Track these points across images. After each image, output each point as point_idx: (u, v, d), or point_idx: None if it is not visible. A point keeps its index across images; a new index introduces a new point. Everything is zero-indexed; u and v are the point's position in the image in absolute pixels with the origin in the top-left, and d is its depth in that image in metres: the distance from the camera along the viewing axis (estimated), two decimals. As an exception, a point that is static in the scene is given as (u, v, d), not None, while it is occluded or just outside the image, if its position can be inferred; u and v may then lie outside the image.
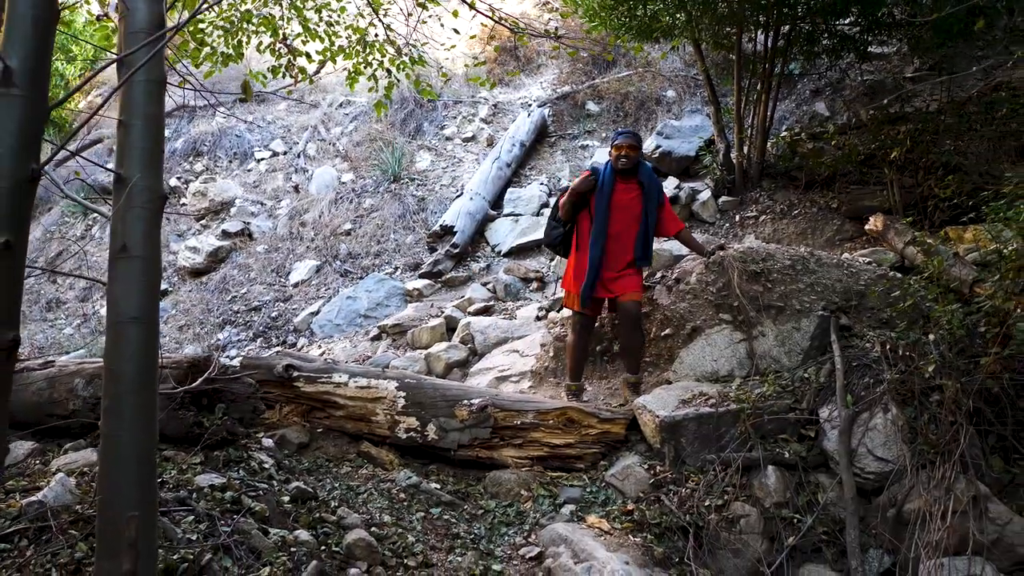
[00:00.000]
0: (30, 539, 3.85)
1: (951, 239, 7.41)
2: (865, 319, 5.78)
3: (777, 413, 5.15)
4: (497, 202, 11.02)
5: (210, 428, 4.84)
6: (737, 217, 9.99)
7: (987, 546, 4.34)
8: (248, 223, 11.68)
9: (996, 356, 4.81)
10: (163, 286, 11.13)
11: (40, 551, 3.77)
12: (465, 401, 5.39)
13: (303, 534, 4.20)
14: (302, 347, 9.01)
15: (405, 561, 4.36)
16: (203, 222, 11.94)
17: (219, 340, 9.55)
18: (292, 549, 4.05)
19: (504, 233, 10.38)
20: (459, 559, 4.54)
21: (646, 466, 5.13)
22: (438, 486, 5.21)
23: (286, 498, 4.51)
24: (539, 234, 10.05)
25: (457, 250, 9.90)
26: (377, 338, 8.72)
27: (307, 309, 9.69)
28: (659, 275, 6.52)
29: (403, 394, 5.44)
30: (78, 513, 3.98)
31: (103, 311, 10.77)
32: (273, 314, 9.85)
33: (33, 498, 4.03)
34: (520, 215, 10.63)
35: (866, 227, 7.48)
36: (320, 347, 8.84)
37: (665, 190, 10.49)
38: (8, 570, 3.67)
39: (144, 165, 2.91)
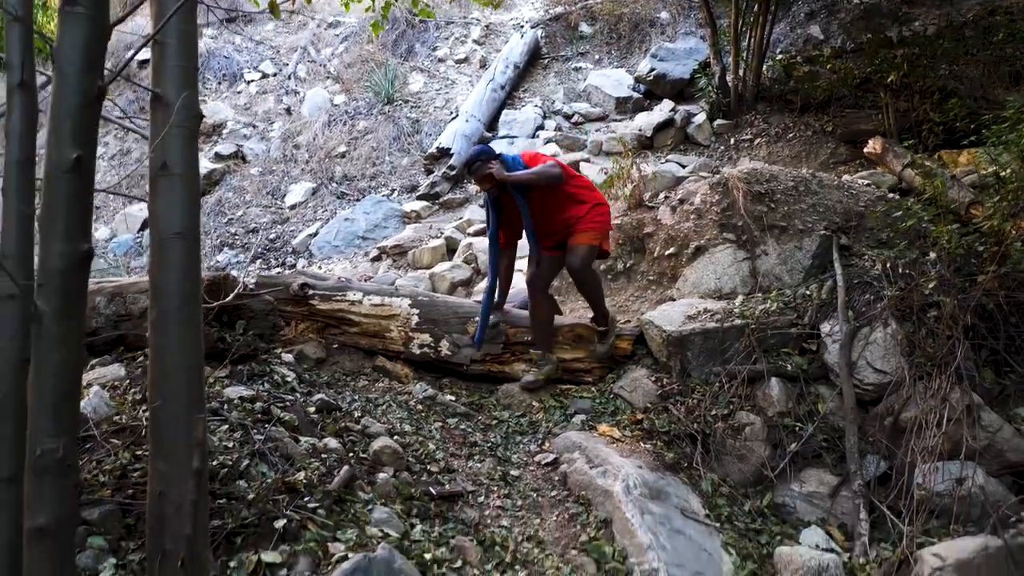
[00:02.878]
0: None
1: (945, 162, 7.58)
2: (864, 239, 5.95)
3: (780, 328, 5.35)
4: (492, 124, 11.05)
5: (233, 344, 4.97)
6: (732, 140, 10.09)
7: (978, 451, 4.59)
8: (240, 145, 11.64)
9: (993, 274, 5.01)
10: (158, 208, 11.13)
11: (87, 459, 3.93)
12: (477, 318, 5.55)
13: (332, 442, 4.38)
14: (302, 268, 9.11)
15: (428, 467, 4.56)
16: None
17: (218, 262, 9.62)
18: (323, 455, 4.23)
19: (500, 155, 10.44)
20: (478, 465, 4.75)
21: (653, 378, 5.33)
22: (453, 398, 5.40)
23: (311, 409, 4.68)
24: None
25: (454, 172, 9.96)
26: (377, 259, 8.83)
27: (305, 231, 9.77)
28: (663, 195, 6.65)
29: (416, 311, 5.58)
30: (117, 423, 4.13)
31: (98, 233, 10.79)
32: (271, 236, 9.92)
33: (83, 404, 4.17)
34: (515, 137, 10.67)
35: (865, 150, 7.61)
36: (320, 268, 8.93)
37: (659, 112, 10.63)
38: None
39: (180, 83, 2.96)
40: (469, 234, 8.63)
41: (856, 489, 4.62)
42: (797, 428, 5.01)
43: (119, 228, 10.87)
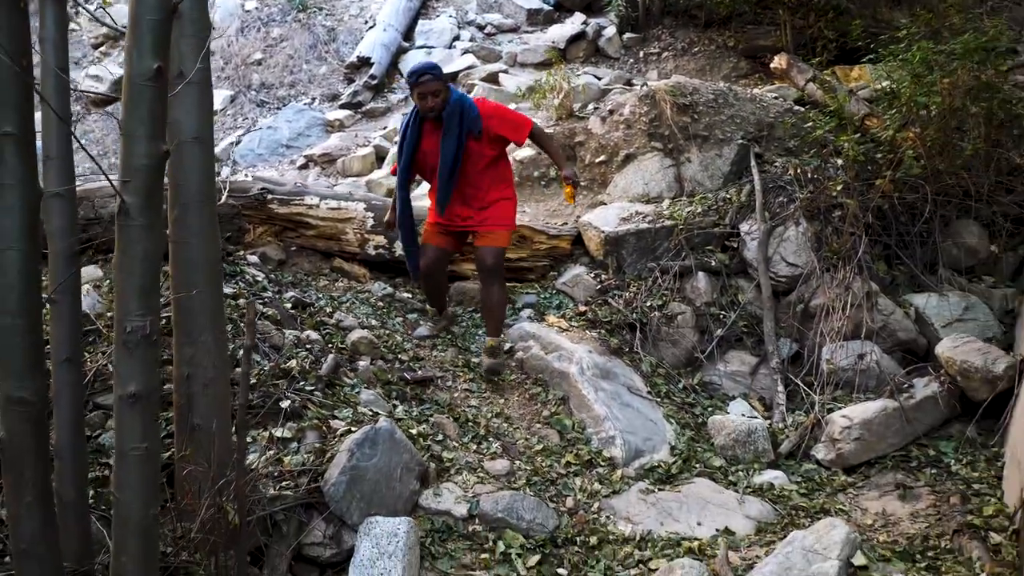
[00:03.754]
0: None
1: (839, 77, 8.25)
2: (774, 148, 6.58)
3: (704, 228, 5.95)
4: (408, 34, 11.18)
5: (204, 245, 5.23)
6: (641, 53, 10.56)
7: (876, 332, 5.33)
8: (150, 51, 11.43)
9: (888, 179, 5.70)
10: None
11: (94, 349, 4.22)
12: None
13: (312, 334, 4.77)
14: (227, 176, 9.21)
15: (399, 356, 5.01)
16: (102, 50, 11.60)
17: (139, 169, 9.60)
18: (307, 346, 4.62)
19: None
20: (442, 354, 5.23)
21: (592, 275, 5.87)
22: (409, 295, 5.83)
23: (288, 305, 5.04)
24: (452, 67, 10.38)
25: (376, 81, 10.13)
26: (304, 167, 9.02)
27: (227, 139, 9.82)
28: (591, 106, 7.10)
29: (371, 215, 5.92)
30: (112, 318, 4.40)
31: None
32: (192, 144, 9.93)
33: (71, 305, 4.41)
34: (432, 47, 10.86)
35: (771, 66, 8.20)
36: (246, 175, 9.06)
37: (571, 25, 10.98)
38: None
39: (191, -3, 3.27)
40: (395, 142, 8.89)
41: (774, 367, 5.32)
42: (721, 316, 5.66)
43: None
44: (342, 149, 8.97)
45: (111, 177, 2.69)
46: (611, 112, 6.77)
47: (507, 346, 5.29)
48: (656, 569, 3.61)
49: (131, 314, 2.71)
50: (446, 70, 10.21)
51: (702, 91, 6.58)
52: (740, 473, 4.50)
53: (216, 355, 3.53)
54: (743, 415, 5.00)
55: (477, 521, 3.85)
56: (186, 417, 3.49)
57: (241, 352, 4.51)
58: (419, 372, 4.88)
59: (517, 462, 4.29)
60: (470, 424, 4.57)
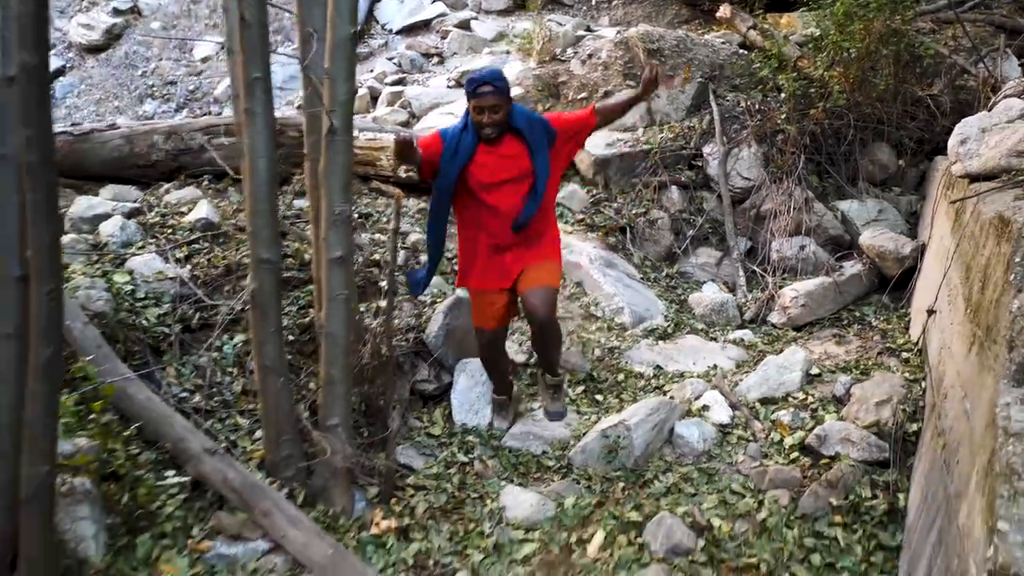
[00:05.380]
0: (209, 241, 5.44)
1: (770, 24, 9.67)
2: (724, 85, 7.97)
3: (674, 151, 7.33)
4: (381, -17, 12.19)
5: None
6: (593, 1, 11.82)
7: (812, 229, 6.81)
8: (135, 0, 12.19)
9: (820, 109, 7.14)
10: (60, 63, 11.64)
11: (222, 247, 5.39)
12: (450, 148, 7.16)
13: (379, 236, 6.00)
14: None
15: (447, 255, 6.28)
16: (89, -1, 12.29)
17: (145, 112, 10.51)
18: (378, 245, 5.86)
19: (392, 12, 11.69)
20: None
21: (585, 190, 7.21)
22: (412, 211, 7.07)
23: (356, 215, 6.25)
24: (424, 15, 11.48)
25: (357, 29, 11.15)
26: (301, 107, 10.07)
27: (224, 82, 10.75)
28: (570, 50, 8.37)
29: (402, 144, 7.11)
30: (235, 226, 5.57)
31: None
32: (190, 87, 10.86)
33: (199, 215, 5.57)
34: (402, -4, 11.91)
35: (716, 15, 9.52)
36: (248, 116, 10.07)
37: None
38: (204, 256, 5.27)
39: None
40: (386, 84, 10.00)
41: (735, 258, 6.78)
42: (691, 220, 7.07)
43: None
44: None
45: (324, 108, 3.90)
46: (590, 56, 8.07)
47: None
48: (669, 390, 5.03)
49: (336, 203, 3.96)
50: (419, 18, 11.38)
51: (667, 37, 7.91)
52: (718, 332, 5.96)
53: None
54: (714, 293, 6.45)
55: (533, 364, 5.20)
56: (321, 289, 4.70)
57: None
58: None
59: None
60: (511, 302, 5.89)
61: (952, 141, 4.53)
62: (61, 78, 11.46)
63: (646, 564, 3.72)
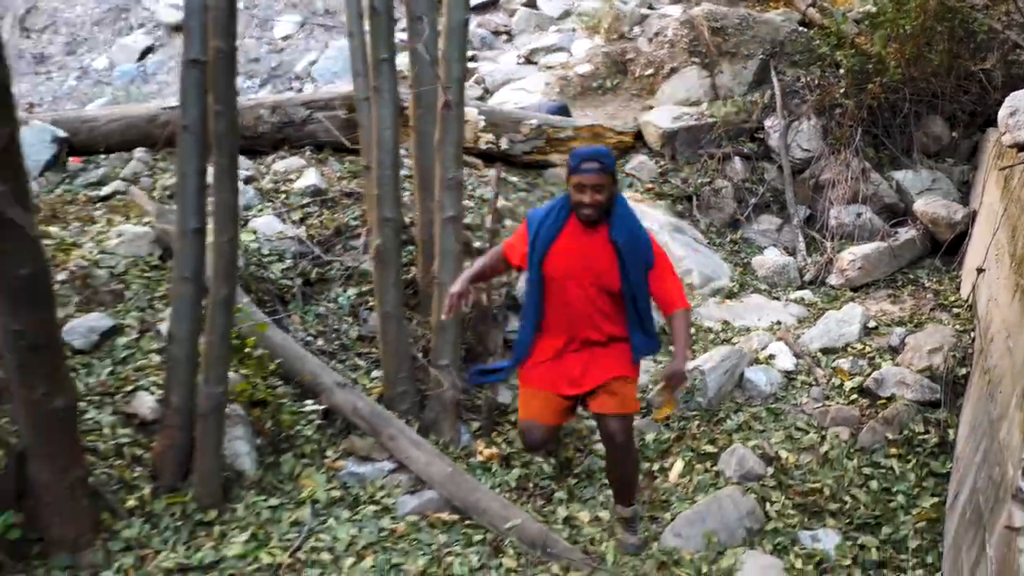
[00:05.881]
0: (319, 205, 6.04)
1: (828, 2, 10.01)
2: (784, 61, 8.37)
3: (737, 124, 7.77)
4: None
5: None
6: (653, -21, 12.20)
7: (868, 197, 7.23)
8: (215, -20, 12.80)
9: (877, 83, 7.52)
10: (149, 42, 12.34)
11: (330, 211, 5.98)
12: (527, 121, 7.68)
13: (468, 203, 6.55)
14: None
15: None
16: (173, -21, 12.95)
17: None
18: (469, 205, 6.40)
19: (460, -8, 12.18)
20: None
21: (653, 161, 7.69)
22: (516, 179, 7.61)
23: (443, 183, 6.80)
24: (491, -7, 11.96)
25: (468, 15, 11.68)
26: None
27: (304, 59, 11.37)
28: (636, 29, 8.82)
29: (483, 117, 7.64)
30: (340, 192, 6.16)
31: (96, 64, 12.00)
32: (272, 64, 11.48)
33: (308, 182, 6.17)
34: (471, -24, 12.38)
35: (777, -7, 9.92)
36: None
37: None
38: (316, 218, 5.87)
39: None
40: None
41: (795, 224, 7.23)
42: (753, 189, 7.53)
43: (117, 58, 12.09)
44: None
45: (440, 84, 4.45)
46: (656, 34, 8.52)
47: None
48: (737, 342, 5.53)
49: (449, 169, 4.51)
50: (484, -1, 11.84)
51: (729, 16, 8.33)
52: (780, 292, 6.45)
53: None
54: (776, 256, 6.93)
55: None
56: (429, 247, 5.25)
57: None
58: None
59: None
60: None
61: (1002, 113, 4.93)
62: (151, 55, 12.15)
63: (721, 487, 4.25)
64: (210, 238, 3.79)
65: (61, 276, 4.77)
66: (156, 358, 4.47)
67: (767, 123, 7.76)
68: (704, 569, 3.74)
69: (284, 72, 11.35)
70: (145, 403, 4.18)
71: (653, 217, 6.85)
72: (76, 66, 12.22)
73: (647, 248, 3.75)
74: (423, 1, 5.08)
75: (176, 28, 12.31)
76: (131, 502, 3.77)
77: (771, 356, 5.22)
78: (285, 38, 11.90)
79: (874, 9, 7.95)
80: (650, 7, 10.73)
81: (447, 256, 4.55)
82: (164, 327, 4.61)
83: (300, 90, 11.02)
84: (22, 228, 2.90)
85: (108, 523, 3.68)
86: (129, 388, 4.24)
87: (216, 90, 3.37)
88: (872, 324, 5.43)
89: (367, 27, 4.86)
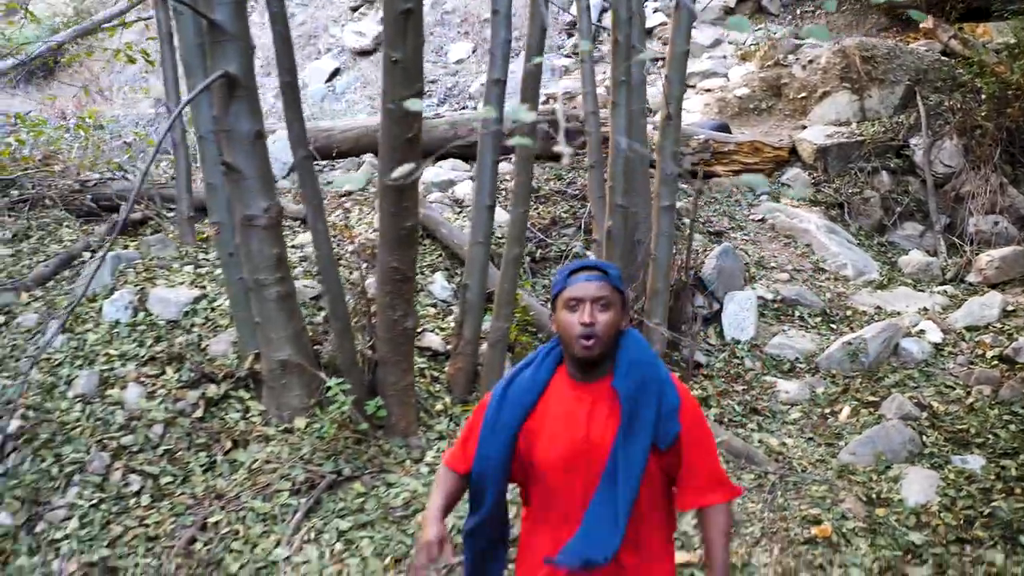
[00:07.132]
0: (533, 200, 7.33)
1: (967, 33, 10.87)
2: (928, 87, 9.31)
3: (884, 142, 8.76)
4: (605, -4, 13.96)
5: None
6: (798, 10, 13.22)
7: (1005, 209, 8.12)
8: (397, 10, 14.39)
9: (1016, 108, 8.41)
10: (336, 64, 14.00)
11: (543, 205, 7.26)
12: (694, 136, 8.84)
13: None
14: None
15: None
16: (361, 11, 14.63)
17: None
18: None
19: (617, 22, 13.45)
20: (721, 219, 8.18)
21: (806, 173, 8.74)
22: (684, 187, 8.77)
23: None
24: (648, 23, 13.17)
25: (688, 47, 12.99)
26: (545, 102, 11.97)
27: (477, 80, 12.80)
28: (791, 57, 9.88)
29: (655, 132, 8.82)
30: (551, 190, 7.43)
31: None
32: (448, 85, 12.96)
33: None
34: (627, 7, 13.63)
35: (920, 25, 10.82)
36: (500, 110, 12.05)
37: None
38: (533, 210, 7.16)
39: None
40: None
41: (937, 230, 8.17)
42: (898, 199, 8.50)
43: (309, 79, 13.77)
44: (575, 89, 11.88)
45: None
46: (810, 61, 9.58)
47: None
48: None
49: (667, 166, 5.69)
50: (648, 24, 13.09)
51: (879, 46, 9.33)
52: (923, 286, 7.42)
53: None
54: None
55: (780, 301, 6.82)
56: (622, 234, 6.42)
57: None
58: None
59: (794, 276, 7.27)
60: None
61: None
62: (338, 77, 13.81)
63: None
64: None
65: (351, 247, 6.18)
66: (432, 310, 5.82)
67: (912, 141, 8.73)
68: (874, 478, 4.80)
69: (459, 92, 12.80)
70: (434, 340, 5.52)
71: (809, 219, 7.91)
72: (272, 86, 13.96)
73: (670, 411, 2.34)
74: (635, 33, 6.28)
75: (360, 53, 13.96)
76: (438, 407, 5.09)
77: (921, 331, 6.24)
78: (459, 61, 13.37)
79: (1013, 40, 8.85)
80: (797, 37, 11.76)
81: (663, 237, 5.74)
82: (432, 288, 5.97)
83: (475, 108, 12.43)
84: (413, 197, 4.24)
85: (424, 420, 5.00)
86: (419, 330, 5.57)
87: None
88: (1010, 308, 6.38)
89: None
